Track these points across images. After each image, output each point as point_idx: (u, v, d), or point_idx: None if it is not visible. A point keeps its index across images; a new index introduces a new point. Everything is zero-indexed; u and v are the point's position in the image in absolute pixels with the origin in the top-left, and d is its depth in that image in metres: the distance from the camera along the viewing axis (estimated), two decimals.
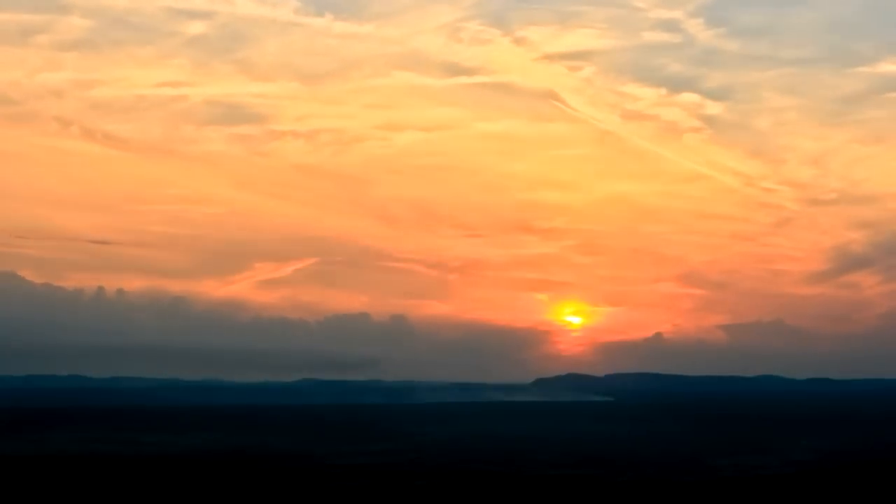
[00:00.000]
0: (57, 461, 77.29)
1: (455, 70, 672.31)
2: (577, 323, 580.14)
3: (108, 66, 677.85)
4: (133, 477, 64.91)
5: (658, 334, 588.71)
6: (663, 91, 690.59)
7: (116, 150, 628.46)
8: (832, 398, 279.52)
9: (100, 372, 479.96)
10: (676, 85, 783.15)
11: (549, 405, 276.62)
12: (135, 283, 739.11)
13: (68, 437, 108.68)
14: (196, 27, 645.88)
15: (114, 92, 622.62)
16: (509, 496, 57.07)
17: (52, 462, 76.42)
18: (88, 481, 62.38)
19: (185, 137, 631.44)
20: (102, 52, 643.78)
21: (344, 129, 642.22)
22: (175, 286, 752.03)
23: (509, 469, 72.23)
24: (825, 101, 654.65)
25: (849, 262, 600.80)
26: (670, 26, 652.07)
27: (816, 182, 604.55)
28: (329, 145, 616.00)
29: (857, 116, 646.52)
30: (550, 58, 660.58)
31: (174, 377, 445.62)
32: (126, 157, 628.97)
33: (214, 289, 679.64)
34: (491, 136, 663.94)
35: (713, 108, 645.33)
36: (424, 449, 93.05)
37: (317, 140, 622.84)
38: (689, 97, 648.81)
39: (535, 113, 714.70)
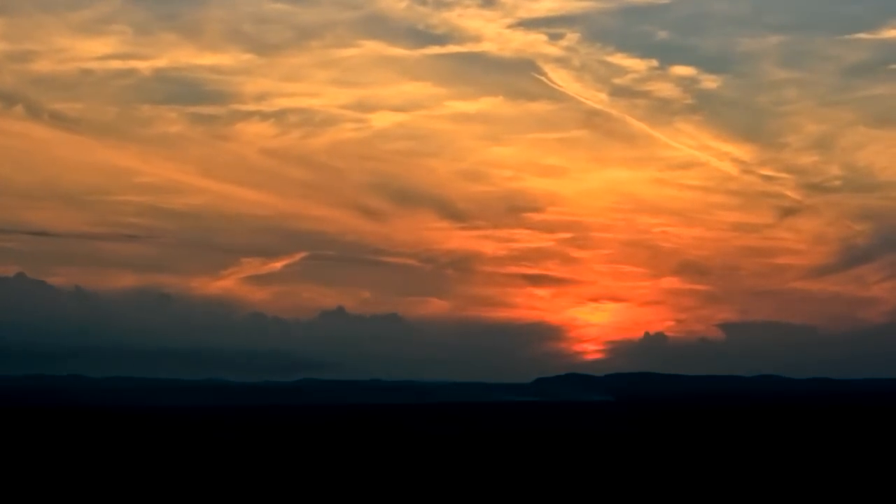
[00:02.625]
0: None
1: (423, 38, 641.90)
2: (575, 320, 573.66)
3: (43, 33, 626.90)
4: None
5: (659, 333, 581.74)
6: (654, 62, 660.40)
7: (68, 132, 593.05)
8: (835, 398, 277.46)
9: (95, 372, 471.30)
10: (667, 55, 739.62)
11: (551, 405, 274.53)
12: (116, 280, 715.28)
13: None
14: None
15: (55, 65, 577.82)
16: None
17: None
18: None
19: (141, 118, 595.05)
20: (33, 17, 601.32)
21: (312, 110, 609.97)
22: (161, 283, 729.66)
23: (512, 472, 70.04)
24: (826, 75, 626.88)
25: (854, 256, 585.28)
26: None
27: (819, 169, 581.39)
28: (297, 127, 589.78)
29: (860, 92, 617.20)
30: (526, 24, 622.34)
31: (165, 377, 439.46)
32: (80, 141, 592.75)
33: (203, 285, 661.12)
34: (470, 116, 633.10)
35: (708, 82, 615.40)
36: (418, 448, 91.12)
37: (284, 122, 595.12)
38: (681, 70, 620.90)
39: (516, 89, 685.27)
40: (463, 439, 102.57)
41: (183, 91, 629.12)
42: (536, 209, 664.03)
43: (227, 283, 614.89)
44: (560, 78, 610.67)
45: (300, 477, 63.64)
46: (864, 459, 76.24)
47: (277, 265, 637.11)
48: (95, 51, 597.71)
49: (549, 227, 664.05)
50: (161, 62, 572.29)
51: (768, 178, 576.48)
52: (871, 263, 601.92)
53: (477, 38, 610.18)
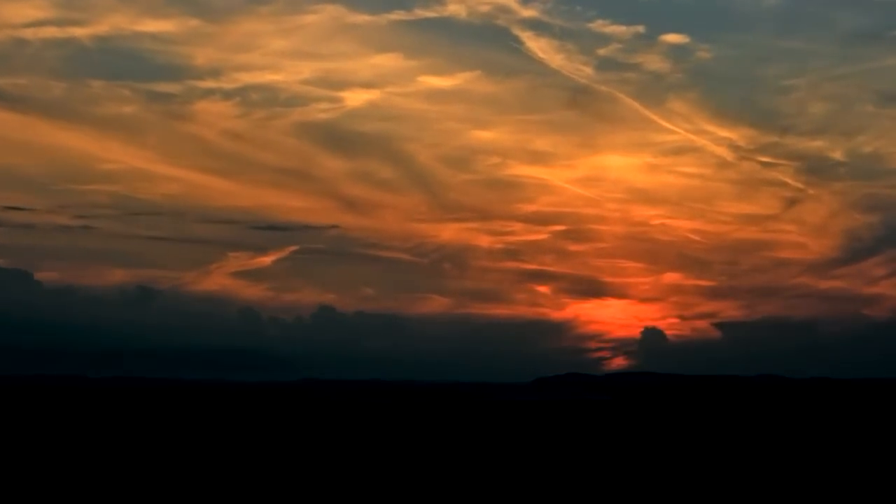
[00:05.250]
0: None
1: (385, 2, 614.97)
2: (574, 318, 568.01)
3: None
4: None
5: (660, 331, 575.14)
6: (640, 29, 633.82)
7: (14, 112, 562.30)
8: (839, 398, 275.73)
9: (78, 371, 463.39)
10: (654, 21, 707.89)
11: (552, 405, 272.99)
12: (98, 276, 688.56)
13: None
14: None
15: None
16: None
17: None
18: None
19: (92, 96, 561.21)
20: None
21: (275, 88, 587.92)
22: (145, 278, 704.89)
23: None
24: (827, 43, 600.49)
25: (860, 250, 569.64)
26: None
27: (822, 154, 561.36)
28: (261, 107, 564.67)
29: (865, 65, 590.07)
30: None
31: (153, 377, 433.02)
32: (29, 122, 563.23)
33: (191, 281, 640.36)
34: (447, 94, 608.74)
35: (701, 52, 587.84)
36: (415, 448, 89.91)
37: (246, 100, 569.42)
38: (671, 38, 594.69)
39: (493, 62, 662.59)
40: (462, 439, 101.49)
41: (131, 65, 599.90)
42: (527, 200, 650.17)
43: (216, 279, 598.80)
44: (539, 48, 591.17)
45: (298, 478, 62.33)
46: (868, 461, 76.03)
47: (267, 260, 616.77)
48: (25, 15, 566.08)
49: (542, 220, 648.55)
50: (99, 28, 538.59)
51: (768, 165, 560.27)
52: (877, 257, 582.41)
53: (443, 1, 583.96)
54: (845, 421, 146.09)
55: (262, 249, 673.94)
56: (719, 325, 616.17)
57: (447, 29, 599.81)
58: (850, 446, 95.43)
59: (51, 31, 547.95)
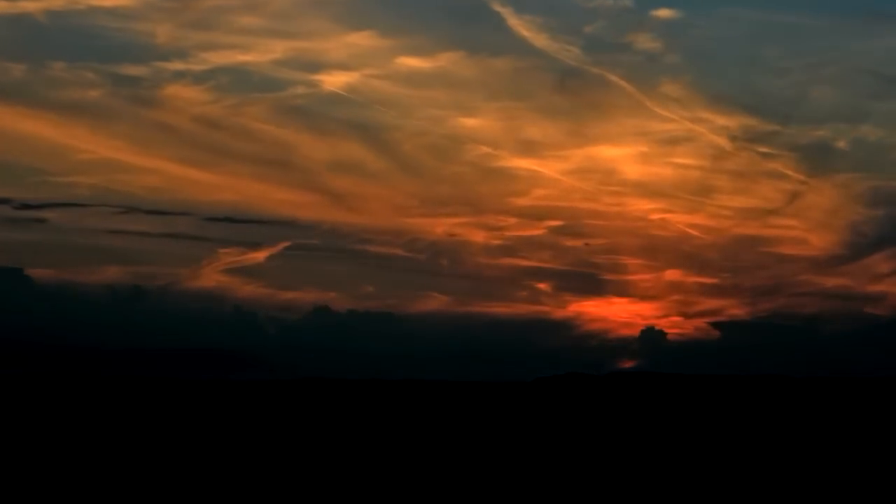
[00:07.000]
0: None
1: None
2: (573, 316, 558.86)
3: None
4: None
5: (660, 330, 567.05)
6: (627, 3, 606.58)
7: None
8: (842, 398, 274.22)
9: (96, 371, 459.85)
10: None
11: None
12: (87, 273, 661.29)
13: None
14: None
15: None
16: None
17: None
18: None
19: (54, 78, 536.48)
20: None
21: (246, 70, 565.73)
22: (134, 275, 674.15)
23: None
24: (831, 21, 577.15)
25: (864, 246, 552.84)
26: None
27: (824, 144, 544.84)
28: (234, 91, 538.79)
29: (870, 46, 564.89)
30: None
31: (145, 377, 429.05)
32: None
33: (186, 278, 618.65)
34: (427, 77, 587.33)
35: (695, 30, 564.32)
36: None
37: (218, 84, 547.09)
38: (662, 13, 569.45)
39: (474, 42, 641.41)
40: (462, 438, 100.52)
41: (91, 44, 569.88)
42: (520, 193, 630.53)
43: (209, 276, 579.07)
44: (521, 25, 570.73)
45: (297, 477, 61.19)
46: (870, 461, 75.20)
47: (260, 256, 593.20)
48: None
49: (537, 214, 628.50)
50: (53, 3, 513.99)
51: (768, 156, 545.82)
52: (882, 253, 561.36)
53: None
54: (847, 420, 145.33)
55: (253, 245, 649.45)
56: (721, 324, 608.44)
57: (422, 3, 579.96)
58: (851, 446, 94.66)
59: (2, 7, 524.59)
